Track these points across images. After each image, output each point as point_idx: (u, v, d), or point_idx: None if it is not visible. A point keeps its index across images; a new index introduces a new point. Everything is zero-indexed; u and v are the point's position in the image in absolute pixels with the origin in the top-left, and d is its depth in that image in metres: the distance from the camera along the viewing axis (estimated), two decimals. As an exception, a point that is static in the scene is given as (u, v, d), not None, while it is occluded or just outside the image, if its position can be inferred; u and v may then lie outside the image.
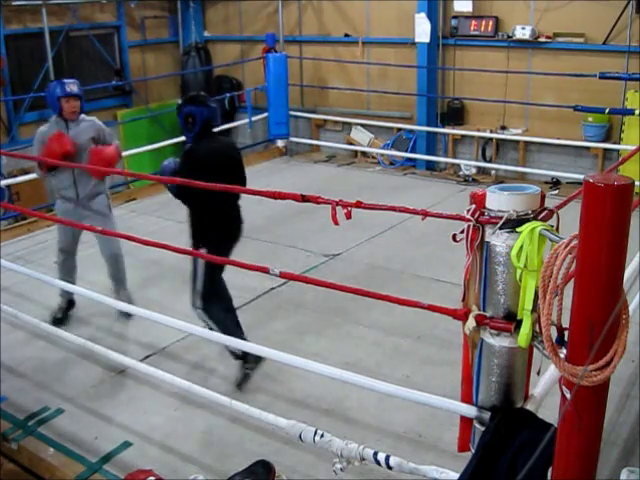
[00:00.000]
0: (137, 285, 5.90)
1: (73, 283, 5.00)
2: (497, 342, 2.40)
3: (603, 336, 1.77)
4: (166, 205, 8.18)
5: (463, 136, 9.52)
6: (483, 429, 2.45)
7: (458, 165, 9.42)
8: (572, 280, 1.91)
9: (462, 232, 2.38)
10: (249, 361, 4.24)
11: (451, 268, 5.48)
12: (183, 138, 6.68)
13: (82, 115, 4.98)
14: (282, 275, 3.08)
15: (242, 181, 4.48)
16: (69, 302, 5.24)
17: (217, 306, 4.36)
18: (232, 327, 4.29)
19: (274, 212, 6.52)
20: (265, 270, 3.13)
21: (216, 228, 4.26)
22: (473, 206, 2.35)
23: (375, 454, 2.67)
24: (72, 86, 4.88)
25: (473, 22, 9.10)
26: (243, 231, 4.57)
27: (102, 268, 6.25)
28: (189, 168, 4.10)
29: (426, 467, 2.60)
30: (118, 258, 5.26)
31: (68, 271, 5.22)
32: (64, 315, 5.21)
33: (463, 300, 2.49)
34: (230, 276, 5.85)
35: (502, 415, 2.40)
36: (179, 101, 4.53)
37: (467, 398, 2.59)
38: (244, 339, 4.10)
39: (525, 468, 2.07)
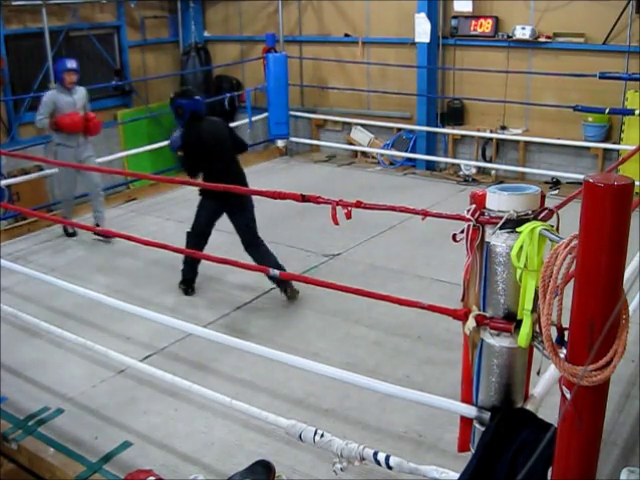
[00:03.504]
0: (137, 285, 5.90)
1: (71, 215, 7.09)
2: (497, 342, 2.40)
3: (603, 336, 1.77)
4: (166, 205, 8.20)
5: (463, 136, 9.51)
6: (483, 429, 2.45)
7: (458, 165, 9.42)
8: (572, 280, 1.91)
9: (462, 232, 2.38)
10: (185, 282, 5.79)
11: (451, 268, 5.47)
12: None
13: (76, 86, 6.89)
14: (281, 276, 3.09)
15: (238, 147, 5.89)
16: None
17: (195, 240, 5.61)
18: (191, 260, 5.68)
19: (274, 212, 6.52)
20: (265, 271, 3.14)
21: (209, 191, 5.49)
22: (473, 206, 2.35)
23: (375, 454, 2.67)
24: (72, 63, 6.81)
25: (473, 22, 9.10)
26: (242, 198, 5.54)
27: (102, 269, 6.27)
28: (187, 146, 5.57)
29: (426, 467, 2.60)
30: (99, 188, 7.14)
31: (70, 207, 7.14)
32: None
33: (463, 300, 2.49)
34: (230, 276, 5.89)
35: (502, 415, 2.40)
36: (171, 95, 5.92)
37: (467, 398, 2.59)
38: (195, 272, 5.76)
39: (525, 468, 2.07)
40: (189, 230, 5.72)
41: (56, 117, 6.64)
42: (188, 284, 5.78)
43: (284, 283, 5.45)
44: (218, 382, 4.28)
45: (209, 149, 5.54)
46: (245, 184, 5.67)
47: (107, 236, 6.70)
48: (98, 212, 7.10)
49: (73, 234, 7.13)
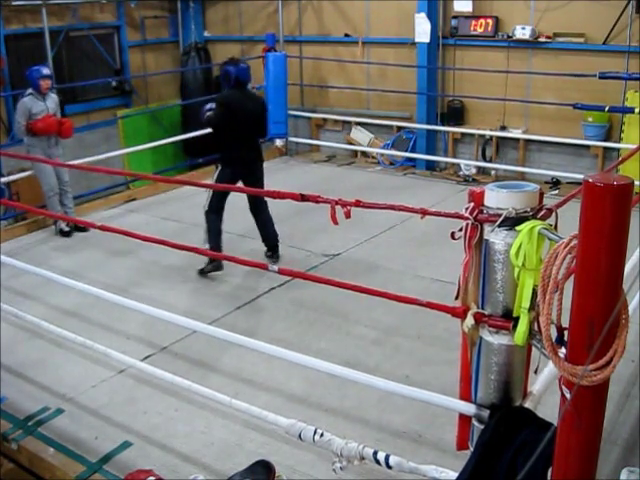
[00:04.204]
0: (138, 284, 5.90)
1: (58, 207, 7.20)
2: (496, 340, 2.40)
3: (603, 336, 1.77)
4: (166, 205, 8.20)
5: (463, 135, 9.51)
6: (482, 427, 2.45)
7: (458, 165, 9.42)
8: (572, 280, 1.91)
9: (461, 230, 2.37)
10: (211, 265, 5.90)
11: (451, 268, 5.45)
12: (183, 137, 7.84)
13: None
14: (281, 271, 3.09)
15: (263, 129, 6.37)
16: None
17: (214, 215, 5.96)
18: (215, 235, 5.95)
19: (274, 212, 6.52)
20: (264, 267, 3.15)
21: (229, 158, 5.98)
22: (471, 204, 2.35)
23: (375, 453, 2.67)
24: (46, 70, 7.13)
25: (473, 22, 9.09)
26: (256, 170, 6.12)
27: (102, 268, 6.27)
28: (224, 105, 5.91)
29: (426, 467, 2.60)
30: (67, 186, 7.34)
31: (55, 203, 7.20)
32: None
33: (457, 298, 2.49)
34: (231, 276, 5.89)
35: (501, 413, 2.39)
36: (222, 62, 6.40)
37: (466, 396, 2.59)
38: (220, 247, 5.93)
39: (525, 468, 2.07)
40: (206, 208, 5.96)
41: (30, 122, 6.88)
42: (214, 262, 5.90)
43: (275, 251, 6.25)
44: (218, 382, 4.28)
45: (241, 115, 5.88)
46: (261, 160, 6.23)
47: (83, 229, 7.17)
48: (68, 208, 7.34)
49: (68, 233, 7.21)
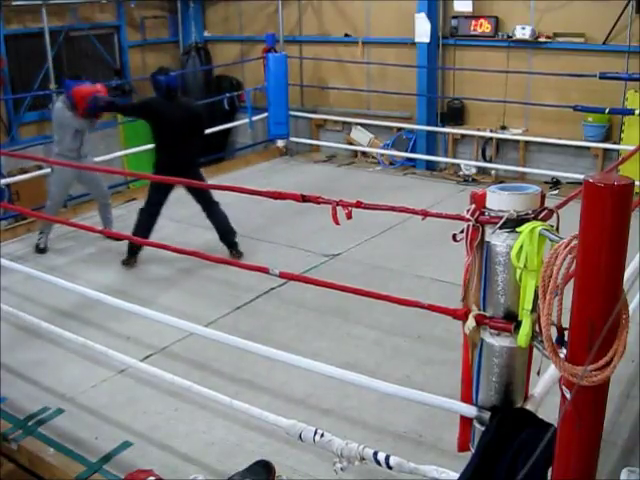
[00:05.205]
0: (137, 284, 5.90)
1: (50, 228, 6.83)
2: (497, 342, 2.40)
3: (603, 336, 1.77)
4: (166, 205, 8.19)
5: (463, 136, 9.51)
6: (483, 429, 2.45)
7: (458, 165, 9.42)
8: (572, 280, 1.91)
9: (462, 232, 2.38)
10: (130, 257, 6.17)
11: (451, 268, 5.45)
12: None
13: None
14: (282, 275, 3.09)
15: (200, 138, 6.40)
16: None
17: (146, 214, 6.20)
18: (143, 230, 6.03)
19: (274, 212, 6.53)
20: (265, 270, 3.14)
21: (161, 164, 6.15)
22: (473, 206, 2.35)
23: (375, 454, 2.67)
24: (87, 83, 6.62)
25: (473, 22, 9.10)
26: (191, 174, 5.92)
27: (102, 268, 6.27)
28: (140, 102, 6.42)
29: (426, 467, 2.60)
30: (107, 195, 7.14)
31: (58, 209, 6.96)
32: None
33: (463, 300, 2.49)
34: (230, 276, 5.89)
35: (502, 415, 2.40)
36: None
37: (467, 398, 2.59)
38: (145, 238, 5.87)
39: (525, 468, 2.07)
40: (142, 207, 6.21)
41: (75, 106, 6.38)
42: (134, 254, 6.17)
43: (235, 246, 6.33)
44: (218, 382, 4.28)
45: (168, 123, 6.03)
46: (195, 169, 6.29)
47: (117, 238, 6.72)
48: (107, 218, 7.00)
49: (44, 250, 6.78)
